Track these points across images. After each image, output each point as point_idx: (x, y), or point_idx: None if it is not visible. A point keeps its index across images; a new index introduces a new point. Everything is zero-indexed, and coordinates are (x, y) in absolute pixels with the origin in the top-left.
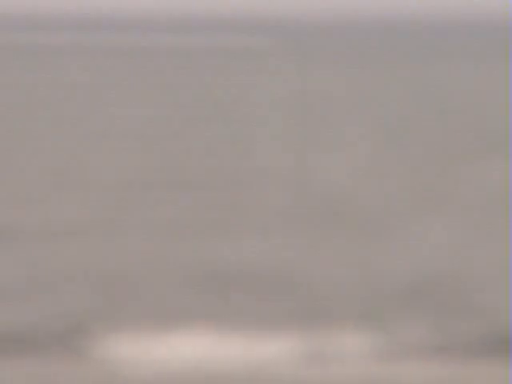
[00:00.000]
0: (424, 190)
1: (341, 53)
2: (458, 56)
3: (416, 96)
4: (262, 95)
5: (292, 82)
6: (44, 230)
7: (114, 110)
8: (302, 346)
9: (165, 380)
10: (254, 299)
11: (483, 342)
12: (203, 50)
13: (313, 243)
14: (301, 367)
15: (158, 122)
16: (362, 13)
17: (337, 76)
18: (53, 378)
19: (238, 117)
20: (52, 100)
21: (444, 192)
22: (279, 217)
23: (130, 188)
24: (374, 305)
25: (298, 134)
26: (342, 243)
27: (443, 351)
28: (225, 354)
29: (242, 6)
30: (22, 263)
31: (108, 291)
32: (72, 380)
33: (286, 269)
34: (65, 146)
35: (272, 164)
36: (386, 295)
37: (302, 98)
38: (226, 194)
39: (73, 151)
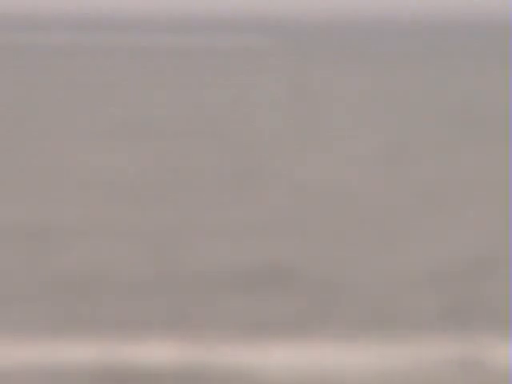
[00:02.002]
0: (424, 189)
1: (341, 53)
2: (458, 56)
3: (416, 96)
4: (262, 95)
5: (292, 82)
6: (43, 230)
7: (113, 110)
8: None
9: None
10: (254, 300)
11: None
12: (203, 50)
13: (314, 244)
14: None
15: (157, 121)
16: (362, 13)
17: (337, 76)
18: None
19: (238, 117)
20: (52, 100)
21: (444, 191)
22: (280, 216)
23: (129, 188)
24: (385, 304)
25: (297, 133)
26: (344, 243)
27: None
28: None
29: (242, 6)
30: (22, 264)
31: (107, 294)
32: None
33: (291, 269)
34: (65, 146)
35: (272, 163)
36: (395, 295)
37: (301, 98)
38: (226, 193)
39: (73, 151)
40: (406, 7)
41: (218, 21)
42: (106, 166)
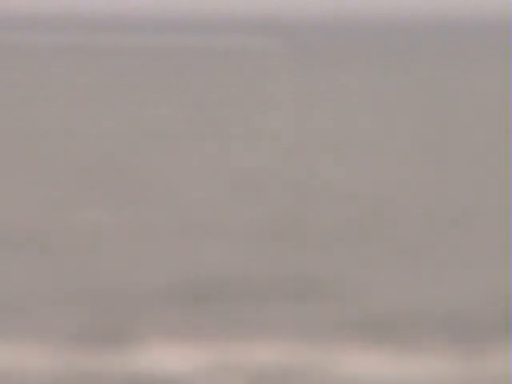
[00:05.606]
0: (424, 190)
1: (341, 53)
2: (458, 56)
3: (416, 96)
4: (261, 95)
5: (292, 82)
6: (43, 233)
7: (113, 110)
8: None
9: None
10: (254, 303)
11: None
12: (203, 50)
13: (312, 244)
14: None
15: (158, 122)
16: (362, 13)
17: (337, 76)
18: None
19: (238, 117)
20: (52, 100)
21: (444, 192)
22: (280, 217)
23: (129, 189)
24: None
25: (298, 133)
26: (345, 246)
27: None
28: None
29: (241, 6)
30: (22, 270)
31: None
32: None
33: (295, 275)
34: (65, 147)
35: (272, 164)
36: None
37: (302, 98)
38: (226, 194)
39: (73, 151)
40: (406, 7)
41: (217, 21)
42: (106, 167)
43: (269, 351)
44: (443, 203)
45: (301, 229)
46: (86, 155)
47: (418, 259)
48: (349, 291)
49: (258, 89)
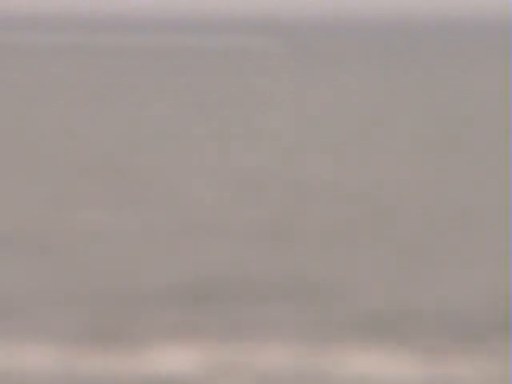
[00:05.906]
0: (424, 190)
1: (341, 53)
2: (458, 56)
3: (415, 96)
4: (262, 95)
5: (292, 82)
6: (43, 233)
7: (113, 110)
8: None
9: None
10: (252, 303)
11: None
12: (203, 50)
13: (312, 244)
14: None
15: (158, 122)
16: (362, 13)
17: (337, 76)
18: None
19: (238, 117)
20: (52, 100)
21: (444, 192)
22: (280, 217)
23: (129, 189)
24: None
25: (298, 133)
26: (345, 246)
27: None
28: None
29: (241, 6)
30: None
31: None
32: None
33: (295, 275)
34: (65, 147)
35: (272, 164)
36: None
37: (302, 98)
38: (226, 193)
39: (73, 151)
40: (406, 7)
41: (217, 21)
42: (106, 167)
43: (269, 351)
44: (443, 203)
45: (301, 229)
46: (85, 155)
47: (417, 259)
48: (349, 291)
49: (258, 89)
